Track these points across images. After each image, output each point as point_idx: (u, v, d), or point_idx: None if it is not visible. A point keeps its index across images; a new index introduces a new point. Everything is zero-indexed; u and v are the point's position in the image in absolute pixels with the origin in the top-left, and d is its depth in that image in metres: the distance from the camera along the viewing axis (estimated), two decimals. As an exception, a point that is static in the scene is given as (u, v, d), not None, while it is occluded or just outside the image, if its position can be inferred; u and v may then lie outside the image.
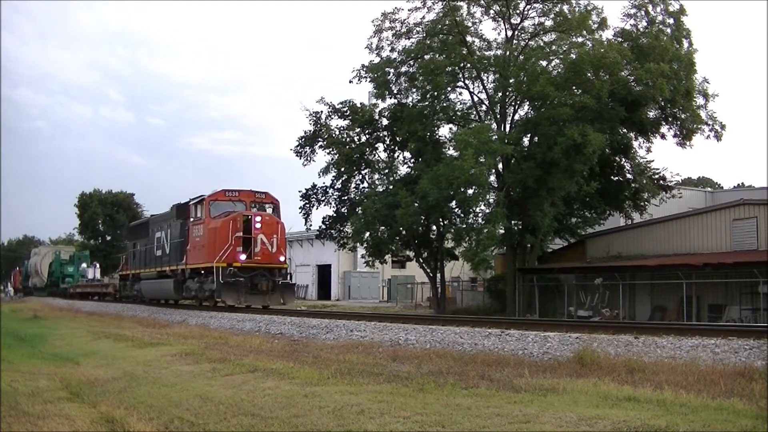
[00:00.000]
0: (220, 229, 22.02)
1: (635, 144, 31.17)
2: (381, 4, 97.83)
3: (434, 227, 32.42)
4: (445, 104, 31.28)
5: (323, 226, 34.81)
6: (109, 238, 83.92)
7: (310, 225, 35.26)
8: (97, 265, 57.86)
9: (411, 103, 31.46)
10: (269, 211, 23.88)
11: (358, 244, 34.76)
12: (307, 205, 33.95)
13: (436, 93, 30.57)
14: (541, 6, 30.15)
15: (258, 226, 21.81)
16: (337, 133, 32.73)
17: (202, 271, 22.96)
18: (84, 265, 58.00)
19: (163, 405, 7.74)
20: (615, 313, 27.30)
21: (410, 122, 29.77)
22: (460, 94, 31.70)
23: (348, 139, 32.58)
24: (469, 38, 30.61)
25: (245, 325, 17.91)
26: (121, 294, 35.05)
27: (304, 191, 34.07)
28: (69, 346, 15.97)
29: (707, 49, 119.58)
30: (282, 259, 22.68)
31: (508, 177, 28.72)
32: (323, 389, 7.59)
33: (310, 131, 33.20)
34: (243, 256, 21.53)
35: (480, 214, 30.12)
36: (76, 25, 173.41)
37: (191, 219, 24.13)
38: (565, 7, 29.58)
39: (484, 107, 31.59)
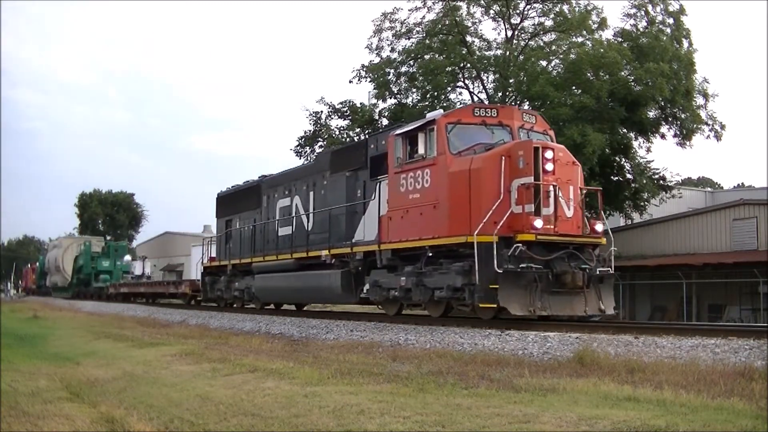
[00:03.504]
0: (482, 173, 12.22)
1: (635, 144, 31.20)
2: (381, 4, 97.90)
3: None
4: (445, 104, 31.31)
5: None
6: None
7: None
8: (146, 258, 49.18)
9: (411, 103, 31.50)
10: None
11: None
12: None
13: (436, 93, 30.63)
14: (541, 6, 30.23)
15: (550, 167, 12.04)
16: (337, 133, 32.77)
17: (430, 254, 13.13)
18: (128, 257, 48.35)
19: (163, 405, 7.74)
20: (615, 313, 27.29)
21: (410, 122, 29.77)
22: (460, 94, 31.78)
23: (348, 139, 32.62)
24: (469, 38, 30.67)
25: (245, 325, 17.91)
26: (208, 296, 24.20)
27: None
28: (69, 346, 15.97)
29: (707, 49, 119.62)
30: (599, 228, 12.98)
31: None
32: (323, 389, 7.59)
33: (310, 131, 33.26)
34: (539, 222, 11.82)
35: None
36: (75, 25, 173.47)
37: (396, 161, 14.06)
38: (565, 7, 29.65)
39: (484, 107, 31.61)
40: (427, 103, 30.86)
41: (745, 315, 25.39)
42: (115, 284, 41.12)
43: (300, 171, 19.38)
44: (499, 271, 11.47)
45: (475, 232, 11.71)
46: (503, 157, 12.17)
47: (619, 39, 29.16)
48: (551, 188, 12.04)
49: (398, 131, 14.34)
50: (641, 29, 29.41)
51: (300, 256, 17.55)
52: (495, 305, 11.87)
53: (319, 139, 32.99)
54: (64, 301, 44.55)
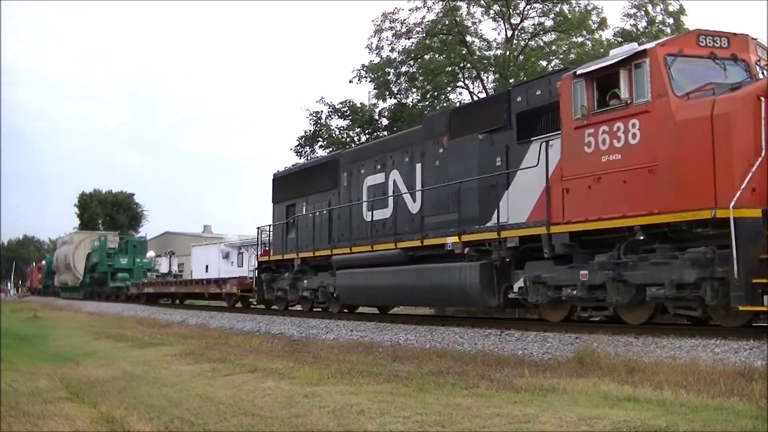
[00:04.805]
0: (732, 121, 9.00)
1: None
2: (381, 4, 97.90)
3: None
4: (445, 104, 31.32)
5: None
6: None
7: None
8: (174, 254, 44.36)
9: (411, 103, 31.49)
10: None
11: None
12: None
13: (436, 93, 30.61)
14: (541, 6, 30.21)
15: None
16: (337, 133, 32.77)
17: (641, 237, 9.82)
18: (151, 253, 44.81)
19: (163, 405, 7.74)
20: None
21: (410, 122, 29.76)
22: (460, 94, 31.75)
23: (348, 139, 32.59)
24: (469, 38, 30.65)
25: (245, 325, 17.92)
26: (265, 297, 20.10)
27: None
28: (69, 346, 15.98)
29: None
30: None
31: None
32: (323, 389, 7.60)
33: (310, 131, 33.22)
34: None
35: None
36: (76, 25, 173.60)
37: (577, 112, 10.59)
38: (565, 7, 29.64)
39: (484, 107, 31.60)
40: (427, 103, 30.86)
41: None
42: (137, 284, 36.74)
43: (399, 139, 15.69)
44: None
45: (731, 204, 8.52)
46: (762, 99, 8.94)
47: (619, 39, 29.11)
48: None
49: (580, 71, 10.78)
50: (641, 29, 29.37)
51: (410, 245, 14.02)
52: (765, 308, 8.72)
53: (319, 139, 32.99)
54: (63, 301, 44.01)
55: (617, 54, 10.54)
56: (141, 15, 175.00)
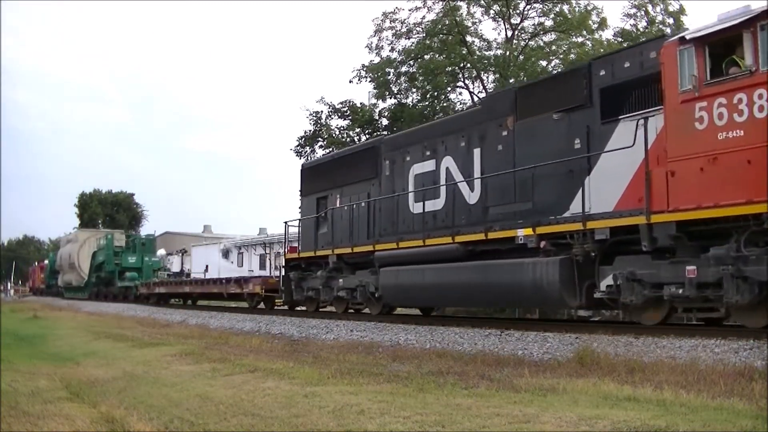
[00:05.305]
0: None
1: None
2: (381, 4, 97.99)
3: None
4: (445, 104, 31.34)
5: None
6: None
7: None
8: (186, 252, 42.49)
9: (411, 103, 31.51)
10: None
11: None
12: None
13: (436, 93, 30.64)
14: (541, 6, 30.24)
15: None
16: (337, 133, 32.79)
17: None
18: (162, 251, 42.73)
19: (163, 405, 7.74)
20: (615, 312, 27.23)
21: (410, 122, 29.79)
22: (460, 94, 31.80)
23: (348, 139, 32.62)
24: (469, 38, 30.68)
25: (245, 325, 17.91)
26: (294, 297, 18.59)
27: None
28: (69, 346, 15.97)
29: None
30: None
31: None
32: (323, 389, 7.60)
33: (310, 131, 33.26)
34: None
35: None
36: (76, 25, 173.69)
37: (686, 83, 9.36)
38: (565, 7, 29.66)
39: (484, 107, 31.57)
40: (427, 103, 30.89)
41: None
42: (147, 283, 34.41)
43: (452, 122, 14.34)
44: None
45: None
46: None
47: (619, 39, 29.14)
48: None
49: (689, 35, 9.45)
50: (641, 29, 29.39)
51: (471, 239, 12.63)
52: None
53: (319, 139, 33.02)
54: (64, 301, 43.72)
55: (733, 15, 9.11)
56: (141, 15, 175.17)
